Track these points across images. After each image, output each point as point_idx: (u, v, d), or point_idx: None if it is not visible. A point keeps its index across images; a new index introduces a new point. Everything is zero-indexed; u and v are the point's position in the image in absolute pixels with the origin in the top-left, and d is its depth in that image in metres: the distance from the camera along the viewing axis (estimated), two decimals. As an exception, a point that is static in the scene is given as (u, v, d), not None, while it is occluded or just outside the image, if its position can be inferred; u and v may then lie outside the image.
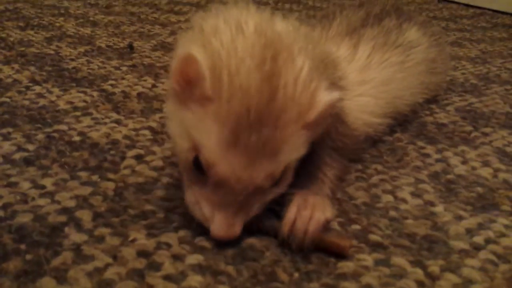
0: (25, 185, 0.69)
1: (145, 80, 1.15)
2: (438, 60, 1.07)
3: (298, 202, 0.62)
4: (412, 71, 0.96)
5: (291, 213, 0.61)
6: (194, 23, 0.63)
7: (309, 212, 0.62)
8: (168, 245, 0.60)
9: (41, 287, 0.52)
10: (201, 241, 0.61)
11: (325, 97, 0.57)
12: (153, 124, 0.92)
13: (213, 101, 0.54)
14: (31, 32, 1.47)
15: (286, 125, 0.55)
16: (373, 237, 0.64)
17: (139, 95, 1.06)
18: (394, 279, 0.57)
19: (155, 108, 1.00)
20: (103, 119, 0.93)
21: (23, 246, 0.57)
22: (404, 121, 0.99)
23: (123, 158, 0.79)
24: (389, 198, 0.74)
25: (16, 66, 1.17)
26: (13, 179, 0.70)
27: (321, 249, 0.61)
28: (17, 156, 0.77)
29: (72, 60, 1.25)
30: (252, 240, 0.62)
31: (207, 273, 0.56)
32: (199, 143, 0.55)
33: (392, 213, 0.70)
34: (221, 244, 0.59)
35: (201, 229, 0.63)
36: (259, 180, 0.55)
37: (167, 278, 0.54)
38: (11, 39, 1.38)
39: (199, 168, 0.57)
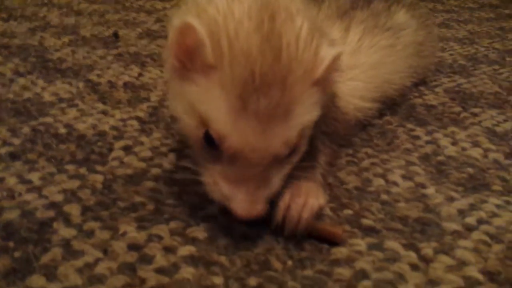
0: (12, 181, 0.68)
1: (131, 69, 1.13)
2: (427, 42, 1.06)
3: (291, 189, 0.62)
4: (401, 54, 0.96)
5: (284, 200, 0.61)
6: None
7: (303, 199, 0.61)
8: (159, 237, 0.59)
9: (31, 285, 0.51)
10: (193, 232, 0.60)
11: (328, 52, 0.56)
12: (141, 114, 0.91)
13: (215, 69, 0.53)
14: (14, 23, 1.44)
15: (294, 85, 0.53)
16: (366, 222, 0.64)
17: (125, 84, 1.04)
18: (388, 263, 0.57)
19: (142, 98, 0.98)
20: (89, 110, 0.91)
21: (11, 244, 0.56)
22: (393, 104, 0.98)
23: (110, 149, 0.78)
24: (381, 181, 0.74)
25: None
26: (-1, 175, 0.69)
27: (314, 237, 0.60)
28: (2, 150, 0.75)
29: (57, 50, 1.23)
30: (244, 229, 0.61)
31: (199, 264, 0.55)
32: (207, 115, 0.53)
33: (384, 196, 0.70)
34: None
35: (193, 220, 0.62)
36: (276, 147, 0.53)
37: (160, 271, 0.54)
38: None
39: (211, 144, 0.54)
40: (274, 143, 0.53)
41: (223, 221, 0.62)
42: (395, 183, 0.74)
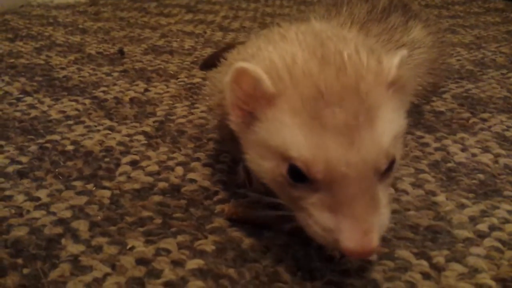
0: (20, 198, 0.68)
1: (137, 85, 1.13)
2: (439, 60, 1.03)
3: None
4: (411, 72, 0.94)
5: None
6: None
7: None
8: (167, 251, 0.58)
9: (39, 303, 0.51)
10: (201, 245, 0.60)
11: (393, 56, 0.53)
12: (147, 129, 0.91)
13: (279, 96, 0.50)
14: (20, 43, 1.45)
15: (368, 91, 0.49)
16: (376, 231, 0.63)
17: (131, 100, 1.05)
18: (399, 272, 0.56)
19: (148, 112, 0.98)
20: (96, 126, 0.92)
21: (20, 261, 0.56)
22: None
23: (117, 165, 0.78)
24: (390, 190, 0.73)
25: (6, 78, 1.16)
26: (7, 193, 0.69)
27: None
28: (10, 169, 0.76)
29: (63, 69, 1.24)
30: (251, 241, 0.60)
31: (208, 277, 0.55)
32: (285, 147, 0.48)
33: (394, 205, 0.69)
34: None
35: (201, 233, 0.62)
36: (373, 157, 0.47)
37: (168, 285, 0.53)
38: (0, 51, 1.37)
39: (299, 178, 0.48)
40: (369, 152, 0.46)
41: (231, 233, 0.62)
42: (405, 192, 0.73)
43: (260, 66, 0.51)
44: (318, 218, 0.48)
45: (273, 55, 0.53)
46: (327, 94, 0.48)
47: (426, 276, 0.56)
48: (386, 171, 0.49)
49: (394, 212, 0.67)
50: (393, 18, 0.96)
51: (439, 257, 0.58)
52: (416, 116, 0.99)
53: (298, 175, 0.48)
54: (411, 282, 0.54)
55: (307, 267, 0.57)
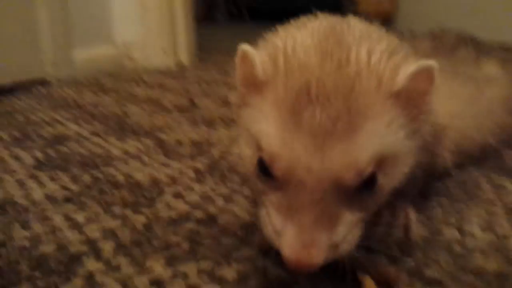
0: (58, 218, 0.68)
1: (200, 129, 1.14)
2: None
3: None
4: (484, 109, 0.86)
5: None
6: None
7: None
8: (185, 275, 0.54)
9: (42, 313, 0.48)
10: (222, 272, 0.54)
11: (415, 64, 0.46)
12: (199, 165, 0.89)
13: (267, 84, 0.47)
14: (104, 97, 1.55)
15: (363, 95, 0.43)
16: (429, 272, 0.54)
17: (192, 142, 1.05)
18: (451, 317, 0.46)
19: (204, 151, 0.97)
20: (151, 162, 0.92)
21: (37, 273, 0.55)
22: (478, 158, 0.87)
23: (160, 194, 0.76)
24: (453, 232, 0.63)
25: (82, 123, 1.22)
26: (48, 213, 0.70)
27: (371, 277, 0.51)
28: (59, 194, 0.77)
29: (135, 116, 1.29)
30: (278, 271, 0.54)
31: (221, 304, 0.49)
32: (258, 136, 0.46)
33: (457, 248, 0.59)
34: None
35: (225, 260, 0.57)
36: (337, 169, 0.42)
37: (177, 307, 0.48)
38: (84, 102, 1.46)
39: (265, 172, 0.45)
40: (335, 163, 0.42)
41: (259, 263, 0.56)
42: (472, 234, 0.62)
43: (265, 52, 0.49)
44: (271, 217, 0.44)
45: (279, 42, 0.50)
46: (314, 90, 0.43)
47: (484, 324, 0.45)
48: (360, 192, 0.43)
49: (455, 255, 0.57)
50: (461, 52, 0.89)
51: (505, 305, 0.48)
52: (495, 160, 0.87)
53: (264, 168, 0.45)
54: (464, 329, 0.44)
55: (337, 303, 0.49)
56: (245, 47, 0.50)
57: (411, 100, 0.46)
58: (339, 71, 0.44)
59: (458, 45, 0.92)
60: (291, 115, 0.43)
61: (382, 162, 0.44)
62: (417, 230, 0.62)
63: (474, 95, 0.85)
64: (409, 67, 0.46)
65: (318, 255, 0.41)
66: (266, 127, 0.45)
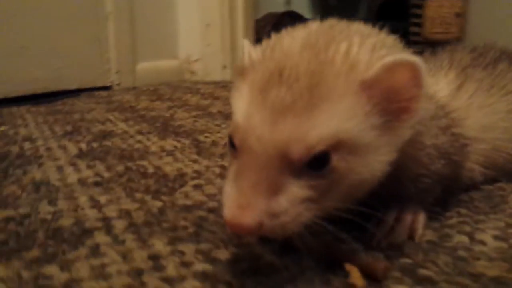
0: (82, 199, 0.73)
1: (238, 134, 1.17)
2: None
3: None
4: None
5: (392, 212, 0.61)
6: None
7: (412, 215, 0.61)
8: (182, 253, 0.56)
9: (45, 272, 0.52)
10: (217, 253, 0.56)
11: (395, 56, 0.46)
12: (226, 163, 0.92)
13: (251, 69, 0.50)
14: (158, 102, 1.63)
15: (329, 79, 0.45)
16: (423, 272, 0.53)
17: (226, 143, 1.08)
18: (432, 312, 0.45)
19: (235, 153, 1.00)
20: (183, 159, 0.96)
21: (50, 242, 0.59)
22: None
23: (182, 185, 0.80)
24: (463, 238, 0.61)
25: (131, 123, 1.30)
26: (75, 194, 0.75)
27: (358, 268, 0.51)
28: (90, 180, 0.82)
29: (181, 120, 1.35)
30: (273, 258, 0.55)
31: (207, 281, 0.50)
32: (234, 113, 0.49)
33: (462, 253, 0.57)
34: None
35: (225, 244, 0.58)
36: (285, 142, 0.43)
37: (164, 279, 0.50)
38: (139, 106, 1.55)
39: (232, 144, 0.49)
40: (284, 135, 0.44)
41: (256, 250, 0.57)
42: (482, 242, 0.60)
43: (261, 44, 0.52)
44: (225, 184, 0.47)
45: (276, 37, 0.52)
46: (286, 72, 0.46)
47: (467, 322, 0.44)
48: (310, 168, 0.45)
49: (457, 259, 0.56)
50: (503, 66, 0.86)
51: (495, 308, 0.46)
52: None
53: (232, 141, 0.49)
54: (443, 325, 0.43)
55: (320, 290, 0.49)
56: (245, 41, 0.54)
57: (387, 93, 0.47)
58: (316, 57, 0.46)
59: (500, 59, 0.89)
60: (260, 93, 0.46)
61: (339, 145, 0.45)
62: (424, 234, 0.61)
63: (510, 108, 0.82)
64: (386, 58, 0.46)
65: (251, 217, 0.42)
66: (238, 103, 0.48)
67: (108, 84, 2.01)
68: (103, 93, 1.81)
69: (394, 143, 0.49)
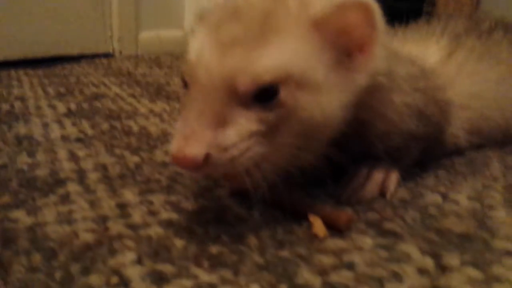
0: (62, 154, 0.73)
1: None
2: None
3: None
4: (510, 93, 0.81)
5: (364, 168, 0.61)
6: None
7: (384, 172, 0.61)
8: (150, 203, 0.56)
9: (12, 216, 0.52)
10: (186, 204, 0.56)
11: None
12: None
13: (210, 14, 0.50)
14: (156, 70, 1.62)
15: (282, 15, 0.45)
16: (388, 225, 0.52)
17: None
18: (388, 262, 0.45)
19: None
20: (170, 121, 0.96)
21: (23, 190, 0.60)
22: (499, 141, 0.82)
23: (164, 143, 0.80)
24: (436, 198, 0.60)
25: (125, 87, 1.29)
26: (55, 148, 0.75)
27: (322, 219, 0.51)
28: (72, 136, 0.82)
29: (176, 85, 1.34)
30: (240, 209, 0.55)
31: (171, 227, 0.51)
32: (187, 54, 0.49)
33: (432, 210, 0.57)
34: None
35: (194, 196, 0.58)
36: (232, 74, 0.43)
37: (129, 226, 0.51)
38: (136, 72, 1.54)
39: (185, 84, 0.49)
40: (232, 66, 0.43)
41: (224, 202, 0.57)
42: (455, 201, 0.59)
43: None
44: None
45: None
46: (241, 10, 0.46)
47: (422, 272, 0.44)
48: (259, 101, 0.44)
49: (426, 215, 0.55)
50: (497, 35, 0.84)
51: (453, 259, 0.45)
52: (517, 144, 0.82)
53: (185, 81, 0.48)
54: (396, 273, 0.43)
55: (280, 238, 0.49)
56: None
57: (339, 33, 0.46)
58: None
59: (495, 29, 0.87)
60: (213, 30, 0.46)
61: (287, 80, 0.44)
62: (396, 191, 0.61)
63: (502, 77, 0.80)
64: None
65: (196, 148, 0.41)
66: (193, 44, 0.47)
67: (110, 51, 2.00)
68: (104, 60, 1.80)
69: (348, 86, 0.48)
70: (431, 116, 0.63)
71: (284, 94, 0.45)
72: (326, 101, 0.46)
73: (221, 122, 0.43)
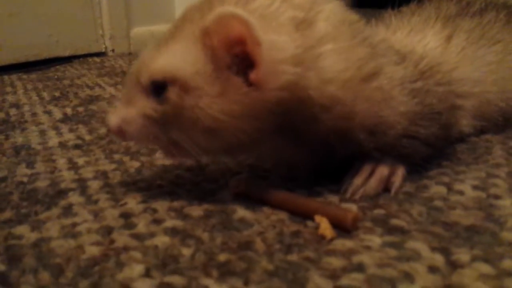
0: (61, 162, 0.73)
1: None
2: None
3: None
4: (509, 73, 0.80)
5: (369, 164, 0.60)
6: None
7: (389, 168, 0.60)
8: (154, 211, 0.56)
9: (16, 232, 0.52)
10: (190, 210, 0.56)
11: (224, 8, 0.49)
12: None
13: None
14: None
15: (187, 23, 0.52)
16: (395, 222, 0.52)
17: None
18: (398, 261, 0.44)
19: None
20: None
21: (24, 203, 0.59)
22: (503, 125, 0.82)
23: (163, 146, 0.79)
24: (441, 189, 0.60)
25: (120, 87, 1.28)
26: (54, 157, 0.75)
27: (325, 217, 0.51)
28: (70, 143, 0.82)
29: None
30: (245, 213, 0.54)
31: (177, 236, 0.50)
32: None
33: (438, 203, 0.56)
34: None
35: (198, 201, 0.58)
36: (138, 67, 0.54)
37: (134, 236, 0.50)
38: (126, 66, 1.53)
39: None
40: (140, 64, 0.54)
41: (227, 206, 0.57)
42: (460, 192, 0.59)
43: None
44: None
45: None
46: (181, 16, 0.54)
47: (433, 270, 0.43)
48: (155, 92, 0.52)
49: (432, 208, 0.55)
50: (490, 16, 0.83)
51: (463, 255, 0.45)
52: (518, 128, 0.81)
53: None
54: (407, 273, 0.43)
55: (289, 242, 0.48)
56: None
57: (224, 44, 0.49)
58: (200, 5, 0.53)
59: (487, 9, 0.86)
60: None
61: (174, 81, 0.51)
62: (401, 186, 0.60)
63: (500, 59, 0.80)
64: (218, 10, 0.48)
65: (112, 119, 0.55)
66: None
67: (102, 50, 1.98)
68: (97, 59, 1.79)
69: (244, 97, 0.50)
70: (436, 117, 0.61)
71: (170, 92, 0.51)
72: (209, 107, 0.50)
73: (130, 102, 0.55)
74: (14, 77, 1.48)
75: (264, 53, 0.48)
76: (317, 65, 0.51)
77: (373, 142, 0.57)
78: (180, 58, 0.51)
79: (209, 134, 0.52)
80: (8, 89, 1.30)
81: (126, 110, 0.54)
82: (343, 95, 0.52)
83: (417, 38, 0.76)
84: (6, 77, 1.48)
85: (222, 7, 0.49)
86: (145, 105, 0.53)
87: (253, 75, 0.49)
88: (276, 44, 0.49)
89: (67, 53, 1.83)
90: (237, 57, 0.49)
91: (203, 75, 0.50)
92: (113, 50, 1.99)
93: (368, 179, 0.58)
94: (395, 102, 0.56)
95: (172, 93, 0.51)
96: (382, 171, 0.59)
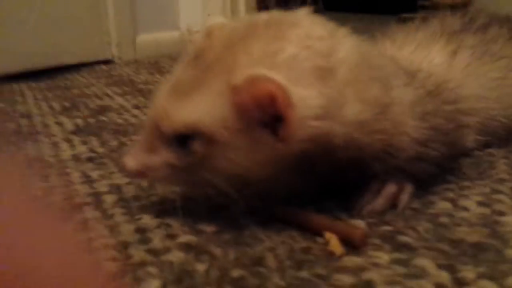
0: (75, 175, 0.74)
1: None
2: None
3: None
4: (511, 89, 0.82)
5: (378, 181, 0.61)
6: None
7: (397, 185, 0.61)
8: (168, 226, 0.58)
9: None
10: (203, 225, 0.57)
11: (258, 71, 0.48)
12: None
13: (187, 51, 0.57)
14: (158, 76, 1.63)
15: (211, 75, 0.51)
16: (403, 239, 0.54)
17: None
18: (406, 278, 0.46)
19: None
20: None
21: (42, 217, 0.61)
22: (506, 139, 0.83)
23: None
24: (446, 205, 0.62)
25: (128, 97, 1.30)
26: (68, 170, 0.76)
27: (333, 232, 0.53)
28: (84, 155, 0.84)
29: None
30: (255, 228, 0.56)
31: (191, 251, 0.52)
32: None
33: (443, 219, 0.58)
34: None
35: (211, 216, 0.60)
36: (156, 114, 0.53)
37: (149, 251, 0.52)
38: (138, 80, 1.55)
39: None
40: (159, 112, 0.53)
41: (240, 221, 0.58)
42: (465, 208, 0.61)
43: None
44: None
45: (220, 23, 0.59)
46: (197, 57, 0.53)
47: (439, 287, 0.45)
48: (177, 142, 0.52)
49: (438, 225, 0.56)
50: (493, 31, 0.85)
51: (469, 272, 0.47)
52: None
53: None
54: (415, 290, 0.44)
55: (300, 258, 0.50)
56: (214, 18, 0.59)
57: (254, 104, 0.49)
58: (220, 53, 0.52)
59: (491, 24, 0.88)
60: (176, 71, 0.55)
61: (199, 134, 0.51)
62: (407, 203, 0.62)
63: (503, 75, 0.81)
64: (256, 70, 0.48)
65: (130, 164, 0.55)
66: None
67: (109, 58, 2.00)
68: (104, 67, 1.81)
69: (268, 149, 0.51)
70: (444, 138, 0.63)
71: (196, 144, 0.52)
72: (236, 157, 0.52)
73: (151, 150, 0.55)
74: (23, 85, 1.50)
75: (294, 111, 0.49)
76: (340, 113, 0.52)
77: (383, 165, 0.59)
78: (206, 112, 0.50)
79: (234, 177, 0.53)
80: (18, 98, 1.32)
81: (148, 157, 0.54)
82: (359, 134, 0.54)
83: (423, 54, 0.78)
84: (15, 86, 1.50)
85: (253, 69, 0.48)
86: (169, 155, 0.54)
87: (282, 131, 0.50)
88: (305, 100, 0.50)
89: (75, 60, 1.85)
90: (267, 114, 0.50)
91: (231, 130, 0.50)
92: (119, 58, 2.01)
93: (376, 196, 0.60)
94: (406, 127, 0.58)
95: (198, 146, 0.52)
96: (390, 188, 0.61)
